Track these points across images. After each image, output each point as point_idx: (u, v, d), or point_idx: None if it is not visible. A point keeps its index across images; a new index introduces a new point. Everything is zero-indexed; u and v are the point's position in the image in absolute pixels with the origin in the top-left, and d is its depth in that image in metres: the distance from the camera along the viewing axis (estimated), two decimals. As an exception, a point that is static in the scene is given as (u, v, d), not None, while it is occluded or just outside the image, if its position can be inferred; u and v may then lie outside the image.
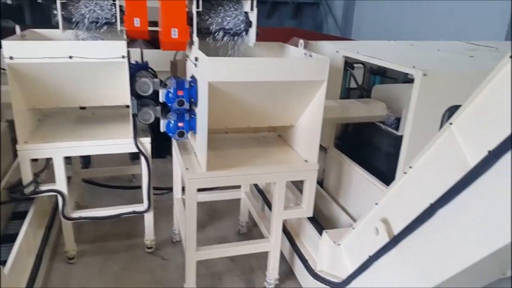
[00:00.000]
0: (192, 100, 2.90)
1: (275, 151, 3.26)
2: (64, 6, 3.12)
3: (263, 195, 4.10)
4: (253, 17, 3.01)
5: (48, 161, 3.52)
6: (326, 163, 3.76)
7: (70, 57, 2.91)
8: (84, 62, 2.95)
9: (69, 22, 3.15)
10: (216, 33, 3.04)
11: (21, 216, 3.39)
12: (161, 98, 2.94)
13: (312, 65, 2.79)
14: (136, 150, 3.38)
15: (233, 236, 4.26)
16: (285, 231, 3.51)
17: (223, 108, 2.79)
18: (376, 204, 2.41)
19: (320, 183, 3.69)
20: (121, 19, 3.10)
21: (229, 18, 3.03)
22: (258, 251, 3.40)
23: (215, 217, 4.56)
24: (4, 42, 2.85)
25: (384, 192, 2.38)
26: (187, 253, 3.08)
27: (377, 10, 11.30)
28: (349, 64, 3.84)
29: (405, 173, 2.17)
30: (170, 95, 2.88)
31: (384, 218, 2.30)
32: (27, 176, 3.20)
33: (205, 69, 2.57)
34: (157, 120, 3.16)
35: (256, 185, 4.26)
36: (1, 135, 3.62)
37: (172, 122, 2.98)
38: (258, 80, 2.67)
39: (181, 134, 3.02)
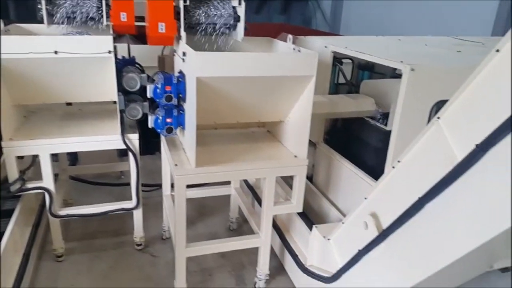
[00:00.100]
0: (180, 95, 2.87)
1: (265, 146, 3.26)
2: (48, 0, 3.06)
3: (253, 191, 4.10)
4: (241, 11, 2.99)
5: (35, 158, 3.47)
6: (315, 158, 3.77)
7: (56, 52, 2.87)
8: (69, 57, 2.90)
9: (54, 17, 3.10)
10: (204, 28, 3.01)
11: (7, 214, 3.33)
12: (149, 94, 2.90)
13: (300, 60, 2.78)
14: (124, 147, 3.34)
15: (223, 232, 4.26)
16: (275, 227, 3.52)
17: (212, 103, 2.77)
18: (365, 198, 2.43)
19: (309, 178, 3.70)
20: (107, 13, 3.06)
21: (217, 12, 3.00)
22: (249, 247, 3.40)
23: (205, 213, 4.55)
24: (-13, 37, 2.79)
25: (373, 187, 2.39)
26: (176, 249, 3.07)
27: (366, 6, 11.38)
28: (337, 59, 3.84)
29: (393, 167, 2.19)
30: (158, 90, 2.84)
31: (373, 212, 2.32)
32: (13, 173, 3.15)
33: (193, 64, 2.55)
34: (145, 116, 3.13)
35: (246, 181, 4.26)
36: None
37: (160, 118, 2.95)
38: (247, 75, 2.65)
39: (170, 130, 2.99)
